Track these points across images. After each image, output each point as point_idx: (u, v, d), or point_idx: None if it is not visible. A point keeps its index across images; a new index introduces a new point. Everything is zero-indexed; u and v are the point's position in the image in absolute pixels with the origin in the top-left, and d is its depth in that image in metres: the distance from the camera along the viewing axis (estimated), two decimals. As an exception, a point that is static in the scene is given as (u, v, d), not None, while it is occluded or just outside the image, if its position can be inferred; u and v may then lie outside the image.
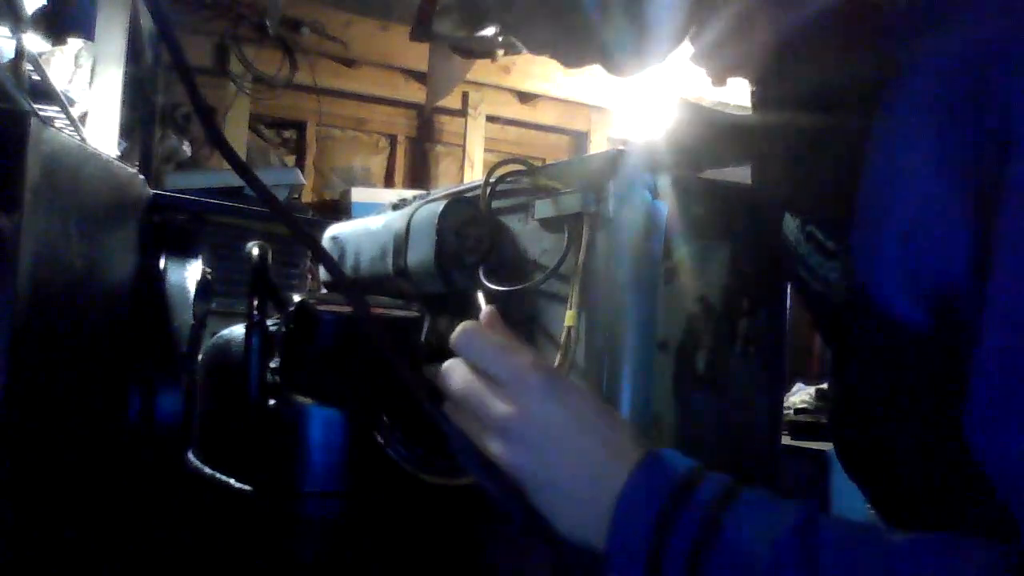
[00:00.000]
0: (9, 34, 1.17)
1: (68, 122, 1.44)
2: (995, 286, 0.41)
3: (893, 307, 0.48)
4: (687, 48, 0.62)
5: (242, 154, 2.97)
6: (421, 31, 0.69)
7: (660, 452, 0.50)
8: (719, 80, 0.65)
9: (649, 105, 3.06)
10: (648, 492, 0.47)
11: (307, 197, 3.35)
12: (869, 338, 0.53)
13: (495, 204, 0.73)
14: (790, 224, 0.61)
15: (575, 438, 0.50)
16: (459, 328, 0.55)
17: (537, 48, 0.68)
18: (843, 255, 0.54)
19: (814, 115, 0.57)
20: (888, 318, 0.48)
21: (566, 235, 0.63)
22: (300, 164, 3.40)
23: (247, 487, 0.65)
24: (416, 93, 3.45)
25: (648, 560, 0.46)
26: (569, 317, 0.61)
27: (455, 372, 0.55)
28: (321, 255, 0.60)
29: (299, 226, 0.57)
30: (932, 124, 0.45)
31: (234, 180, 2.31)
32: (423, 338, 0.73)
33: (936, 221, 0.45)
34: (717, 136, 0.72)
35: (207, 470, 0.68)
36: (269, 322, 0.65)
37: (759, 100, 0.67)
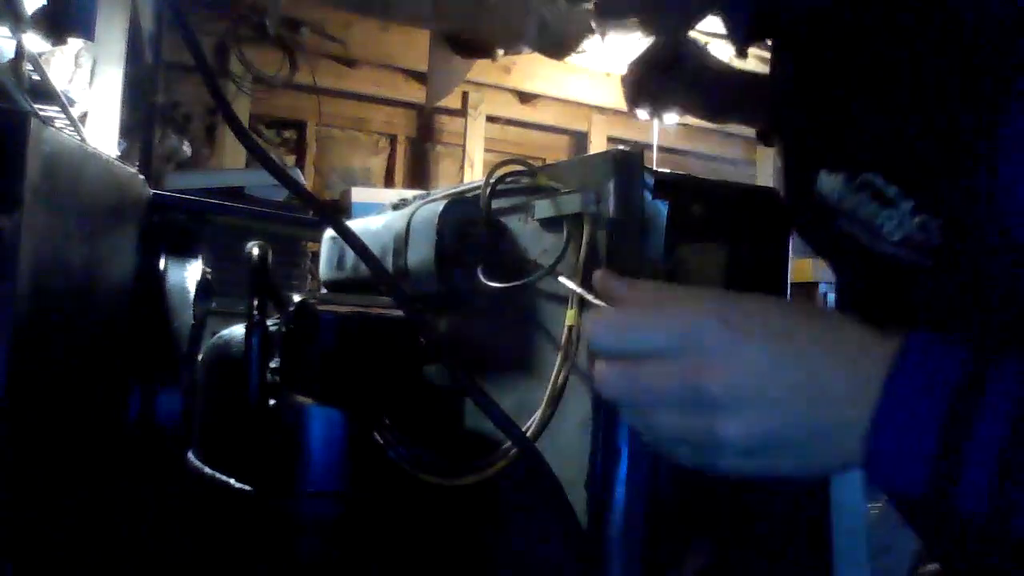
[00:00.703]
0: (9, 34, 1.17)
1: (68, 122, 1.44)
2: None
3: None
4: None
5: (242, 154, 2.97)
6: None
7: (920, 336, 0.40)
8: (744, 48, 0.63)
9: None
10: (925, 386, 0.38)
11: (307, 197, 3.35)
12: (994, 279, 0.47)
13: (495, 204, 0.73)
14: (828, 181, 0.57)
15: (799, 366, 0.41)
16: (588, 326, 0.47)
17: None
18: (921, 202, 0.50)
19: (879, 63, 0.54)
20: None
21: (566, 235, 0.63)
22: (300, 164, 3.40)
23: (247, 487, 0.65)
24: (416, 93, 3.45)
25: (932, 482, 0.37)
26: (570, 316, 0.61)
27: (610, 377, 0.45)
28: (362, 250, 0.59)
29: (340, 222, 0.57)
30: None
31: (234, 180, 2.32)
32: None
33: None
34: (722, 87, 0.70)
35: (207, 470, 0.68)
36: (269, 322, 0.65)
37: (793, 53, 0.64)
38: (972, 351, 0.39)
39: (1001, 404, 0.36)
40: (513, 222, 0.73)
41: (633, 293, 0.48)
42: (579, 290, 0.56)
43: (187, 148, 2.70)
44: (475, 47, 3.19)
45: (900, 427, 0.38)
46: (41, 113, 1.32)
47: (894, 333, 0.41)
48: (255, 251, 0.66)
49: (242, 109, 3.06)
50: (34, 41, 1.24)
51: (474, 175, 3.49)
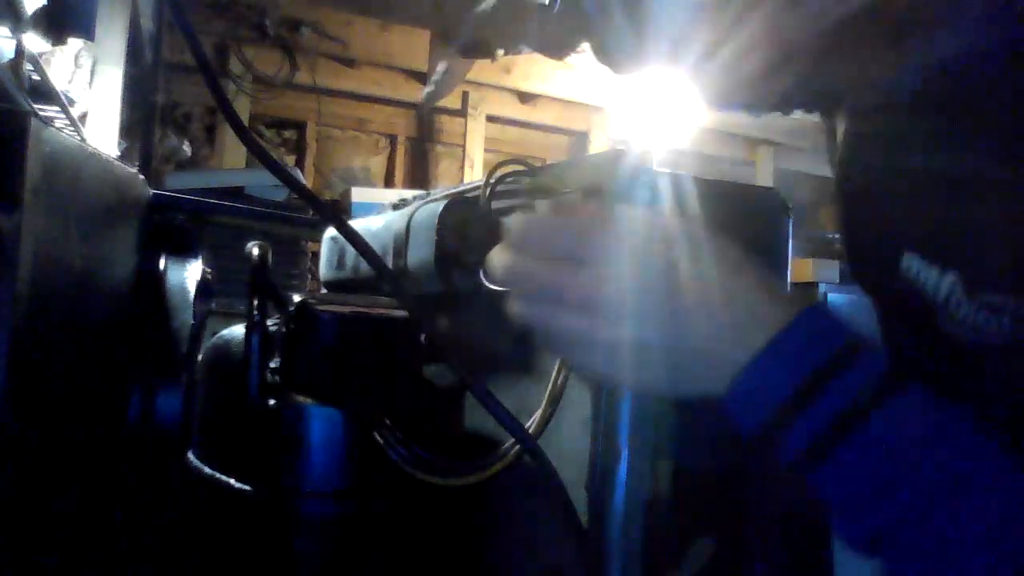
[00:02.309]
0: (9, 34, 1.17)
1: (68, 122, 1.44)
2: None
3: None
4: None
5: (242, 154, 2.97)
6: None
7: (809, 318, 0.45)
8: (721, 101, 0.61)
9: (649, 106, 3.05)
10: (786, 366, 0.44)
11: (307, 197, 3.34)
12: None
13: (495, 204, 0.73)
14: (928, 275, 0.52)
15: (689, 295, 0.46)
16: (513, 223, 0.50)
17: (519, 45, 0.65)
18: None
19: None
20: None
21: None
22: (300, 164, 3.40)
23: (247, 487, 0.65)
24: (416, 93, 3.45)
25: (766, 429, 0.45)
26: (569, 317, 0.61)
27: (521, 269, 0.49)
28: (364, 249, 0.59)
29: (341, 220, 0.57)
30: None
31: (234, 180, 2.32)
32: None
33: None
34: None
35: (207, 470, 0.68)
36: (269, 322, 0.65)
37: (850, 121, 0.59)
38: (846, 343, 0.44)
39: (837, 399, 0.43)
40: (513, 222, 0.73)
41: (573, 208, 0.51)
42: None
43: (187, 148, 2.71)
44: (475, 47, 3.19)
45: (762, 381, 0.45)
46: (41, 113, 1.32)
47: (795, 299, 0.47)
48: (255, 251, 0.66)
49: (242, 109, 3.07)
50: (34, 41, 1.25)
51: (474, 175, 3.50)
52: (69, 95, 1.50)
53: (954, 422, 0.43)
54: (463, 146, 3.61)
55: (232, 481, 0.65)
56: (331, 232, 1.02)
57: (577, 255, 0.47)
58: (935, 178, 0.52)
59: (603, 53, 0.60)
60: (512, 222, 0.51)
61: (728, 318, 0.46)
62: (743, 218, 0.67)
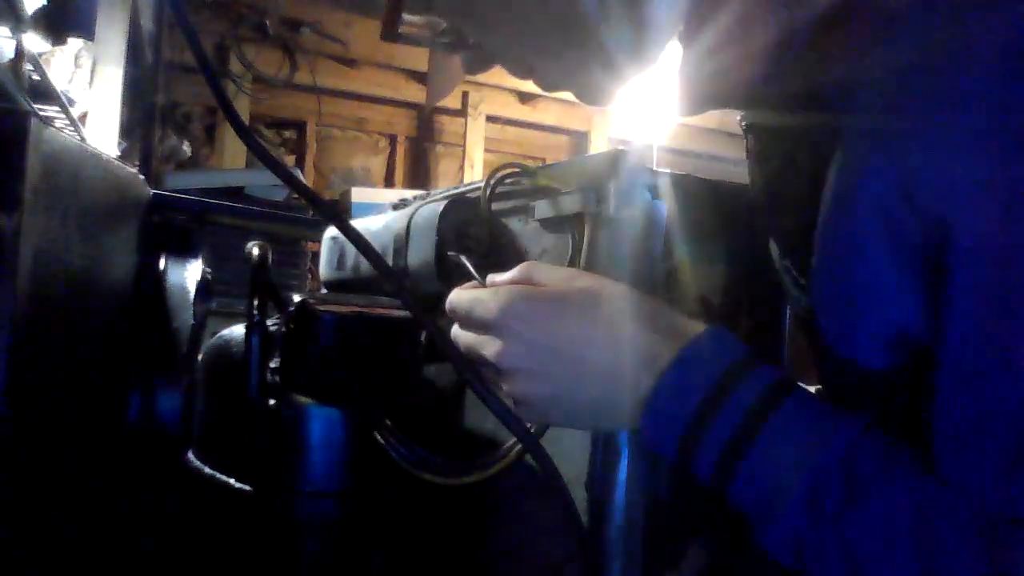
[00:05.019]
0: (9, 34, 1.17)
1: (68, 122, 1.44)
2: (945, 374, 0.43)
3: (856, 350, 0.49)
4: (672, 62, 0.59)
5: (242, 154, 2.97)
6: (388, 33, 0.67)
7: (693, 350, 0.48)
8: (695, 106, 0.60)
9: (648, 106, 3.05)
10: (676, 401, 0.48)
11: (307, 197, 3.33)
12: (832, 372, 0.54)
13: (495, 206, 0.73)
14: (776, 253, 0.61)
15: (577, 354, 0.50)
16: (451, 296, 0.56)
17: (516, 68, 0.67)
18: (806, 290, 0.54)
19: (798, 131, 0.55)
20: (852, 360, 0.49)
21: (570, 235, 0.63)
22: (300, 164, 3.40)
23: (247, 487, 0.65)
24: (416, 93, 3.44)
25: (680, 458, 0.48)
26: (569, 317, 0.61)
27: (453, 335, 0.55)
28: (364, 247, 0.59)
29: (341, 218, 0.57)
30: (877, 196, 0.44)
31: (234, 180, 2.32)
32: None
33: (890, 286, 0.45)
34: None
35: (207, 470, 0.68)
36: (269, 322, 0.65)
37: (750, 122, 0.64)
38: (734, 362, 0.48)
39: (733, 415, 0.46)
40: (513, 223, 0.73)
41: (515, 274, 0.55)
42: (470, 267, 0.63)
43: (187, 148, 2.70)
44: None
45: (663, 413, 0.48)
46: (41, 113, 1.33)
47: (691, 329, 0.50)
48: (255, 251, 0.66)
49: (242, 109, 3.06)
50: (34, 41, 1.25)
51: (474, 175, 3.49)
52: (69, 95, 1.50)
53: (831, 424, 0.46)
54: (463, 146, 3.61)
55: (232, 481, 0.66)
56: (331, 232, 1.02)
57: (487, 325, 0.52)
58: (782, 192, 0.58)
59: (600, 62, 0.59)
60: (451, 295, 0.56)
61: (622, 365, 0.49)
62: (743, 218, 0.68)
